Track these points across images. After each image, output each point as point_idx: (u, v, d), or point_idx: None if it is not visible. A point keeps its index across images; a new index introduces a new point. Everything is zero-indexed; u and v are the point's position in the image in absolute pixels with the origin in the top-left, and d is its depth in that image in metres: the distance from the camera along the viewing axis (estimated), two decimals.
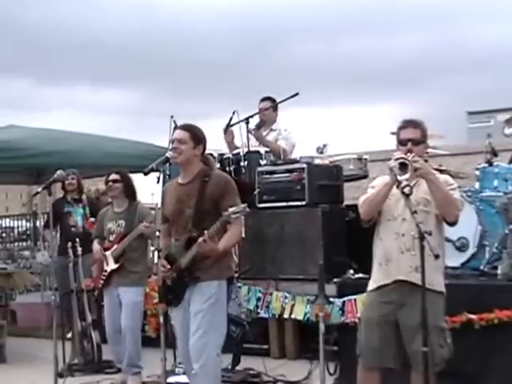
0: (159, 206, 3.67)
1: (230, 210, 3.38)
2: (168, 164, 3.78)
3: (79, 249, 5.52)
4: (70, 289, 5.61)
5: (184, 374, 4.46)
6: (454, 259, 4.80)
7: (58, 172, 4.82)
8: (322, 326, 4.11)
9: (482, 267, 4.83)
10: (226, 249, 3.58)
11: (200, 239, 3.43)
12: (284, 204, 5.51)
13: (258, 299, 5.36)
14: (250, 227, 5.16)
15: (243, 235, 4.02)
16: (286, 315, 5.26)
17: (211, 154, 5.32)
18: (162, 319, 3.66)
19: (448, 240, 4.36)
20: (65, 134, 8.34)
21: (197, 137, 3.64)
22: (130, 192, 5.02)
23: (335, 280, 5.03)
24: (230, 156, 5.88)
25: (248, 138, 5.83)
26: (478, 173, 5.18)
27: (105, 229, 5.03)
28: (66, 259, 5.66)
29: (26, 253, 8.79)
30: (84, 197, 6.47)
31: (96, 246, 5.02)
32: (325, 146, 6.00)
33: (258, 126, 6.16)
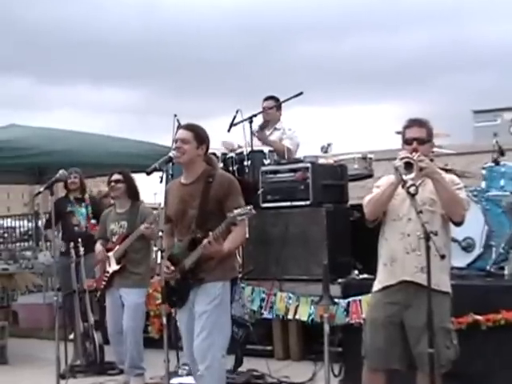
0: (162, 205, 3.65)
1: (236, 211, 3.36)
2: (171, 164, 3.76)
3: (81, 249, 5.50)
4: (73, 289, 5.60)
5: (187, 375, 4.47)
6: (460, 259, 4.77)
7: (60, 172, 4.81)
8: (326, 327, 4.10)
9: (488, 268, 4.80)
10: (231, 250, 3.58)
11: (205, 241, 3.42)
12: (288, 204, 5.49)
13: (262, 300, 5.33)
14: (254, 227, 5.14)
15: (247, 235, 3.99)
16: (290, 316, 5.24)
17: (214, 154, 5.30)
18: (164, 320, 3.64)
19: (454, 240, 4.33)
20: (66, 133, 8.33)
21: (200, 137, 3.64)
22: (132, 192, 5.00)
23: (340, 280, 5.00)
24: (234, 155, 5.86)
25: (251, 137, 5.79)
26: (484, 172, 5.14)
27: (107, 230, 5.01)
28: (68, 259, 5.65)
29: (28, 253, 8.77)
30: (86, 196, 6.45)
31: (98, 246, 5.01)
32: (329, 145, 5.99)
33: (261, 128, 6.14)
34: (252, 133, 5.78)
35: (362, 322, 4.35)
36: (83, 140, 8.05)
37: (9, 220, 13.37)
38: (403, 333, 3.33)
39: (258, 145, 6.03)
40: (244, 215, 3.38)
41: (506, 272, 4.60)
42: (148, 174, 3.67)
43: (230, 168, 5.73)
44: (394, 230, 3.38)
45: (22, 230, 12.65)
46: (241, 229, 3.57)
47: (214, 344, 3.48)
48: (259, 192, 5.55)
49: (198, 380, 3.60)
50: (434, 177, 3.27)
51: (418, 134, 3.39)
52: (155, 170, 3.65)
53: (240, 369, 4.84)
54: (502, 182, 5.05)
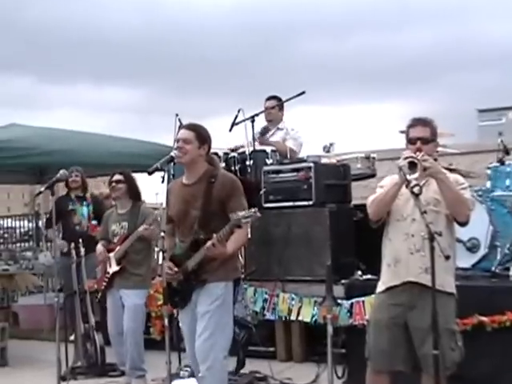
0: (163, 205, 3.63)
1: (240, 214, 3.34)
2: (172, 163, 3.74)
3: (82, 249, 5.47)
4: (74, 290, 5.57)
5: (189, 377, 4.44)
6: (465, 260, 4.76)
7: (61, 171, 4.79)
8: (329, 329, 4.08)
9: (493, 268, 4.79)
10: (234, 251, 3.57)
11: (209, 243, 3.41)
12: (290, 204, 5.47)
13: (265, 301, 5.31)
14: (256, 228, 5.11)
15: (249, 236, 3.97)
16: (292, 317, 5.22)
17: (216, 153, 5.27)
18: (166, 321, 3.62)
19: (459, 240, 4.31)
20: (67, 132, 8.31)
21: (202, 136, 3.62)
22: (133, 193, 4.97)
23: (343, 281, 4.98)
24: (236, 155, 5.83)
25: (253, 136, 5.76)
26: (489, 172, 5.12)
27: (109, 231, 4.99)
28: (69, 260, 5.62)
29: (29, 254, 8.70)
30: (88, 195, 6.41)
31: (99, 247, 4.98)
32: (332, 144, 5.96)
33: (262, 133, 6.13)
34: (254, 138, 5.75)
35: (365, 323, 4.33)
36: (84, 140, 8.04)
37: (9, 220, 13.27)
38: (407, 334, 3.31)
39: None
40: (249, 218, 3.36)
41: (511, 273, 4.58)
42: (149, 173, 3.66)
43: (232, 168, 5.70)
44: (398, 230, 3.35)
45: (22, 230, 12.57)
46: (243, 229, 3.55)
47: (215, 345, 3.46)
48: (261, 192, 5.53)
49: (200, 381, 3.58)
50: (438, 177, 3.25)
51: (421, 134, 3.37)
52: (157, 169, 3.64)
53: (242, 370, 4.81)
54: (507, 182, 5.03)
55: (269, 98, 6.28)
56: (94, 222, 6.23)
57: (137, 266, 4.86)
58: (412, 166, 3.17)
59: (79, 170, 6.33)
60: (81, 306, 5.53)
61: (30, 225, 12.21)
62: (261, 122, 6.19)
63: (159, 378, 4.82)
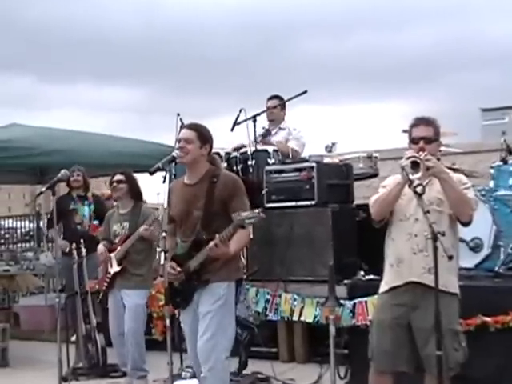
0: (165, 205, 3.61)
1: (244, 214, 3.33)
2: (174, 163, 3.72)
3: (83, 250, 5.46)
4: (75, 291, 5.56)
5: (191, 378, 4.43)
6: (468, 260, 4.73)
7: (62, 171, 4.77)
8: (332, 329, 4.08)
9: (496, 268, 4.76)
10: (237, 251, 3.56)
11: (211, 243, 3.39)
12: (293, 204, 5.45)
13: (267, 301, 5.30)
14: (258, 228, 5.08)
15: (251, 236, 3.95)
16: (295, 318, 5.20)
17: (218, 153, 5.25)
18: (168, 322, 3.61)
19: (462, 240, 4.29)
20: (68, 132, 8.28)
21: (203, 136, 3.61)
22: (134, 193, 4.96)
23: (345, 281, 4.97)
24: (238, 155, 5.81)
25: (255, 136, 5.75)
26: (492, 171, 5.10)
27: (110, 231, 4.98)
28: (70, 260, 5.61)
29: (30, 254, 8.69)
30: (90, 194, 6.39)
31: (101, 247, 4.98)
32: (334, 144, 5.94)
33: (264, 135, 6.11)
34: (256, 141, 5.73)
35: (368, 323, 4.32)
36: (85, 140, 8.00)
37: (10, 221, 13.26)
38: (410, 334, 3.29)
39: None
40: (253, 219, 3.34)
41: None
42: (151, 174, 3.65)
43: (234, 167, 5.68)
44: (401, 230, 3.34)
45: (23, 230, 12.54)
46: (246, 229, 3.53)
47: (217, 345, 3.45)
48: (263, 192, 5.51)
49: (202, 382, 3.57)
50: (441, 176, 3.23)
51: (424, 133, 3.35)
52: (158, 169, 3.63)
53: (244, 371, 4.80)
54: (510, 182, 5.01)
55: (271, 98, 6.26)
56: (95, 222, 6.21)
57: (138, 266, 4.85)
58: (415, 165, 3.16)
59: (81, 169, 6.31)
60: (82, 306, 5.52)
61: (31, 225, 12.17)
62: (262, 122, 6.18)
63: (161, 379, 4.81)
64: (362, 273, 5.09)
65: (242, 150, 5.82)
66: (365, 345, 3.47)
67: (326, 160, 5.73)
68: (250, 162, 5.67)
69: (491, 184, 5.07)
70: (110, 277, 4.87)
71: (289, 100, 6.09)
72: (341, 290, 4.71)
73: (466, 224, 3.32)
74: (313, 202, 5.36)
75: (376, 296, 3.69)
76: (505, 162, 5.10)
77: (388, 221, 3.38)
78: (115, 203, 5.13)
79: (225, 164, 5.64)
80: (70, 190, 6.40)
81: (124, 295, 4.82)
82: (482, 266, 4.83)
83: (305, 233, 5.34)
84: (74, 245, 5.55)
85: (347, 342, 4.78)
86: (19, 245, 11.84)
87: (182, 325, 3.81)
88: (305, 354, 5.37)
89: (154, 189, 5.57)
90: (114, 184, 4.91)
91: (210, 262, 3.47)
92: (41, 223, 10.30)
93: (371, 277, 4.90)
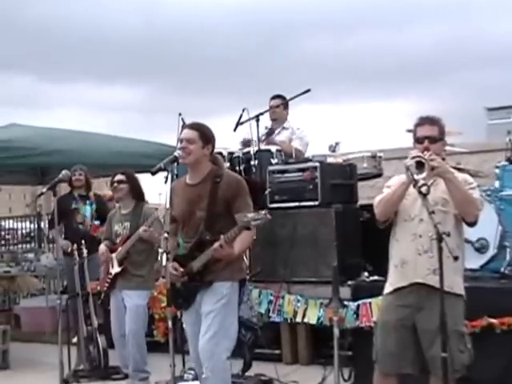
0: (167, 206, 3.58)
1: (250, 215, 3.30)
2: (176, 163, 3.70)
3: (85, 251, 5.43)
4: (76, 292, 5.54)
5: (193, 380, 4.40)
6: (474, 261, 4.70)
7: (63, 172, 4.76)
8: (336, 331, 4.05)
9: (502, 269, 4.74)
10: (241, 252, 3.55)
11: (216, 244, 3.37)
12: (296, 204, 5.42)
13: (270, 302, 5.28)
14: (261, 228, 4.97)
15: (254, 236, 3.92)
16: (298, 319, 5.18)
17: (220, 153, 5.22)
18: (170, 324, 3.58)
19: (467, 241, 4.27)
20: (68, 132, 8.27)
21: (206, 136, 3.59)
22: (136, 193, 4.94)
23: (349, 282, 4.95)
24: (240, 155, 5.78)
25: (258, 135, 5.72)
26: (497, 171, 5.08)
27: (112, 231, 4.96)
28: (72, 260, 5.60)
29: (30, 255, 8.64)
30: (91, 194, 6.37)
31: (102, 247, 4.96)
32: (337, 144, 5.93)
33: (268, 135, 6.09)
34: (258, 136, 5.70)
35: (372, 325, 4.31)
36: (86, 140, 7.98)
37: (11, 221, 13.25)
38: (415, 336, 3.27)
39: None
40: (259, 220, 3.31)
41: None
42: (153, 174, 3.64)
43: (237, 167, 5.66)
44: (406, 230, 3.31)
45: (24, 231, 12.53)
46: (250, 230, 3.50)
47: (219, 345, 3.44)
48: (267, 192, 5.48)
49: (203, 382, 3.56)
50: (446, 176, 3.20)
51: (429, 133, 3.32)
52: (160, 169, 3.61)
53: (247, 373, 4.77)
54: None
55: (273, 97, 6.25)
56: (97, 222, 6.19)
57: (139, 266, 4.83)
58: (419, 165, 3.14)
59: (83, 168, 6.28)
60: (84, 307, 5.50)
61: (32, 226, 12.14)
62: (265, 122, 6.15)
63: (163, 381, 4.78)
64: (366, 274, 5.06)
65: (245, 150, 5.79)
66: (369, 346, 3.44)
67: (330, 160, 5.71)
68: (252, 162, 5.65)
69: (497, 184, 5.05)
70: (111, 277, 4.86)
71: (292, 99, 6.06)
72: (345, 291, 4.70)
73: (472, 224, 3.29)
74: (316, 203, 5.33)
75: (380, 297, 3.69)
76: (510, 161, 5.08)
77: (392, 221, 3.36)
78: (117, 204, 5.11)
79: (227, 164, 5.61)
80: (71, 190, 6.37)
81: (125, 296, 4.80)
82: (487, 267, 4.81)
83: (308, 233, 5.31)
84: (75, 245, 5.53)
85: (351, 344, 4.75)
86: (20, 246, 11.82)
87: (184, 326, 3.80)
88: (308, 355, 5.34)
89: (156, 189, 5.53)
90: (115, 184, 4.89)
91: (213, 263, 3.46)
92: (42, 224, 10.29)
93: (375, 278, 4.88)
